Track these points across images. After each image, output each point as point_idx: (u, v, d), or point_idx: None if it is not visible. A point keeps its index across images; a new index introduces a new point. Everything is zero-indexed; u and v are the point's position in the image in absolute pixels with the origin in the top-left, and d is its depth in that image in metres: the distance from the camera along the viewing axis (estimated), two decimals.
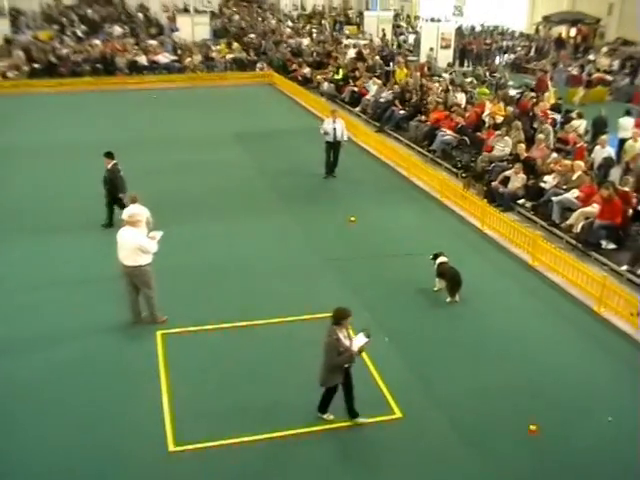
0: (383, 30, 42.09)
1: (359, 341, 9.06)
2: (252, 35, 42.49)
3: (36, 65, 35.25)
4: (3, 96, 31.48)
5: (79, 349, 11.29)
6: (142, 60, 36.28)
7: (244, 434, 9.22)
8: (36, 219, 16.76)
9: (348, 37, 42.84)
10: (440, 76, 29.30)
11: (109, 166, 15.89)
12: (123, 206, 15.03)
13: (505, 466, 8.73)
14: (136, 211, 12.29)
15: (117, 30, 43.83)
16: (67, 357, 11.08)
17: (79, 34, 43.69)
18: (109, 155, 16.04)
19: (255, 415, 9.67)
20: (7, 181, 19.80)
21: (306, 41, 39.98)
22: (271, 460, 8.85)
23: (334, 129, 19.44)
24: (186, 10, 45.63)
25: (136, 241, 11.38)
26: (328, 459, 8.88)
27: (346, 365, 9.08)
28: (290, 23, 49.16)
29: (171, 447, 9.06)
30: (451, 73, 30.52)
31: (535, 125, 20.93)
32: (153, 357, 11.02)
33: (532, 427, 9.22)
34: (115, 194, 15.78)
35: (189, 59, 36.71)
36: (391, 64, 32.99)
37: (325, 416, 9.45)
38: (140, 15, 50.09)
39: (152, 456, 8.92)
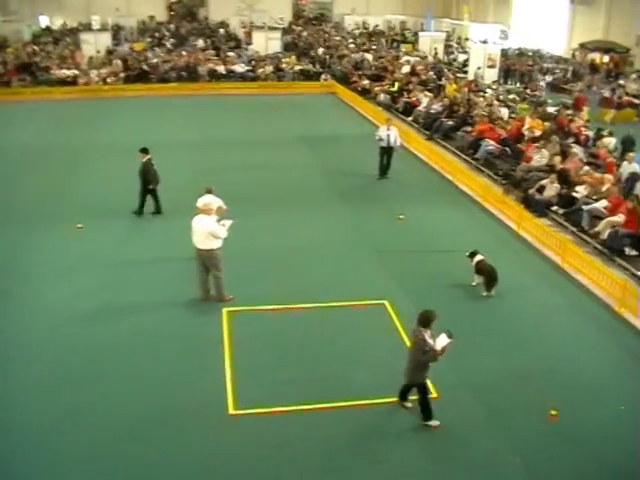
0: (435, 49, 41.59)
1: (442, 341, 8.59)
2: (320, 50, 42.37)
3: (131, 72, 35.81)
4: (103, 99, 32.13)
5: (156, 321, 11.40)
6: (221, 69, 36.51)
7: (296, 403, 9.18)
8: (122, 205, 17.00)
9: (404, 54, 42.43)
10: (485, 92, 28.80)
11: (144, 160, 15.99)
12: (155, 196, 16.16)
13: (527, 445, 8.54)
14: (209, 200, 12.32)
15: (200, 43, 44.22)
16: (145, 327, 11.20)
17: (168, 46, 44.28)
18: (144, 151, 16.13)
19: (306, 387, 9.62)
20: (104, 173, 20.12)
21: (370, 56, 39.62)
22: (316, 429, 8.78)
23: (388, 135, 19.23)
24: (261, 27, 45.77)
25: (208, 227, 11.42)
26: (368, 431, 8.77)
27: (430, 363, 8.69)
28: (352, 40, 48.90)
29: (231, 410, 9.09)
30: (495, 90, 29.98)
31: (570, 140, 20.45)
32: (219, 331, 11.05)
33: (553, 412, 8.96)
34: (147, 185, 16.00)
35: (262, 69, 36.81)
36: (443, 79, 32.55)
37: (432, 423, 8.84)
38: (221, 30, 50.51)
39: (214, 417, 8.97)
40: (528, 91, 31.65)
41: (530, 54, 44.13)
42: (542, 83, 35.34)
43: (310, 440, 8.58)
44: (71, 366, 10.08)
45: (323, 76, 37.11)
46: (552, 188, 16.75)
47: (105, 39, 40.75)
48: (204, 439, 8.57)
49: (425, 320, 8.59)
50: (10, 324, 11.26)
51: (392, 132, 19.35)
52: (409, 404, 9.11)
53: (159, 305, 11.94)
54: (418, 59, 38.56)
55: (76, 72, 35.13)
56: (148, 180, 15.96)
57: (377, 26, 56.43)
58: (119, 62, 36.34)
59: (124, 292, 12.46)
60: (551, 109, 25.57)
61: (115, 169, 20.33)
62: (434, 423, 8.82)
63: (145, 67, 36.14)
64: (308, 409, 9.11)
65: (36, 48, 40.82)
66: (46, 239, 14.69)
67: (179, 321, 11.41)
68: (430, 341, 8.54)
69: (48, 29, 53.40)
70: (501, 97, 27.72)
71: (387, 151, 19.46)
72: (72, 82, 34.45)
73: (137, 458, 8.22)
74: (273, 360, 10.30)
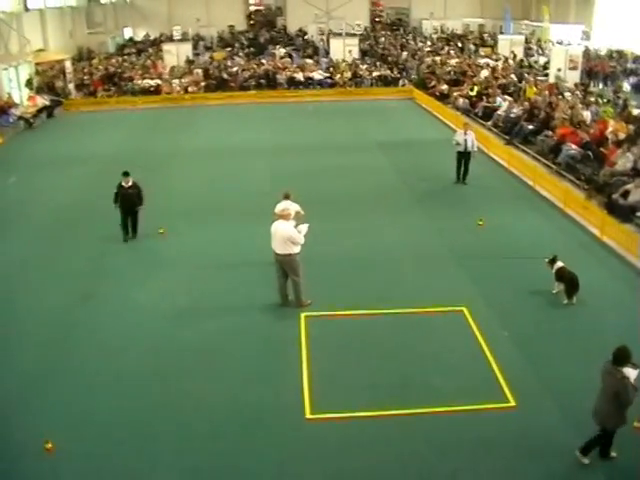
0: (512, 52, 40.84)
1: (632, 374, 7.87)
2: (404, 54, 42.30)
3: (211, 81, 36.67)
4: (184, 107, 33.09)
5: (236, 324, 11.67)
6: (299, 76, 36.98)
7: (373, 409, 9.22)
8: (203, 209, 17.50)
9: (483, 57, 41.86)
10: (563, 95, 28.10)
11: (131, 182, 15.04)
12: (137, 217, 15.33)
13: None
14: (287, 206, 12.53)
15: (281, 51, 44.85)
16: (225, 330, 11.49)
17: (247, 54, 45.08)
18: (128, 174, 15.10)
19: (383, 393, 9.64)
20: (186, 178, 20.76)
21: (453, 61, 39.19)
22: (394, 436, 8.78)
23: (465, 140, 19.07)
24: (338, 34, 46.03)
25: (286, 233, 11.61)
26: (447, 439, 8.70)
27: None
28: (430, 44, 48.60)
29: (308, 414, 9.20)
30: (577, 92, 29.23)
31: None
32: (296, 335, 11.21)
33: (636, 424, 8.65)
34: (135, 207, 15.21)
35: (339, 76, 37.05)
36: (522, 82, 31.98)
37: (586, 460, 8.21)
38: (299, 38, 51.12)
39: (291, 421, 9.09)
40: (611, 93, 30.75)
41: (613, 55, 42.79)
42: (626, 85, 34.24)
43: (387, 446, 8.59)
44: (157, 365, 10.46)
45: (401, 81, 37.07)
46: (637, 193, 16.21)
47: (186, 49, 41.87)
48: (282, 441, 8.71)
49: (622, 359, 7.81)
50: (98, 324, 11.77)
51: (469, 136, 19.18)
52: (587, 460, 8.22)
53: (239, 308, 12.22)
54: (498, 62, 38.01)
55: (158, 81, 36.26)
56: (140, 201, 15.14)
57: (455, 30, 55.91)
58: (200, 71, 37.31)
59: (205, 294, 12.82)
60: (636, 111, 24.76)
61: (197, 174, 20.98)
62: (613, 454, 8.27)
63: (225, 76, 36.95)
64: (385, 415, 9.14)
65: (120, 59, 42.32)
66: (130, 242, 15.26)
67: (258, 325, 11.64)
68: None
69: (131, 40, 55.29)
70: (584, 100, 27.02)
71: (464, 156, 19.29)
72: (155, 91, 35.58)
73: (219, 455, 8.44)
74: (350, 365, 10.37)
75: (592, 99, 26.94)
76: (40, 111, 30.76)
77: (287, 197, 13.22)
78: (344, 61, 39.52)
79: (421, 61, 40.27)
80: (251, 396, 9.62)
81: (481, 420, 9.02)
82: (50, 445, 8.46)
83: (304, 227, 12.00)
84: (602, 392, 8.00)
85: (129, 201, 15.02)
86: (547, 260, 12.45)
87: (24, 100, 31.65)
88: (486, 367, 10.17)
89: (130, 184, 14.98)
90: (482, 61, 39.21)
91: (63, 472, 8.18)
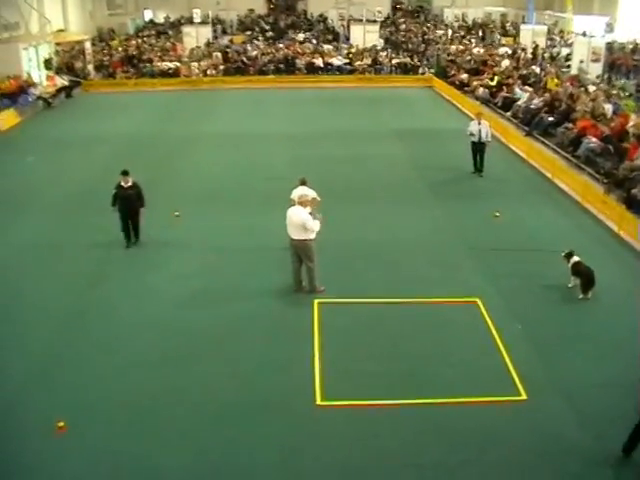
0: (534, 42, 40.41)
1: None
2: (421, 42, 42.07)
3: (230, 65, 36.62)
4: (203, 90, 33.10)
5: (250, 308, 11.70)
6: (318, 62, 36.85)
7: (383, 397, 9.23)
8: (220, 193, 17.55)
9: (504, 47, 41.47)
10: (587, 88, 27.80)
11: (131, 182, 13.90)
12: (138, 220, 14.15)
13: (617, 448, 8.17)
14: (304, 192, 12.53)
15: (299, 36, 44.68)
16: (239, 314, 11.52)
17: (267, 39, 44.95)
18: (127, 173, 13.94)
19: (394, 382, 9.63)
20: (203, 161, 20.82)
21: (475, 50, 38.86)
22: (404, 425, 8.78)
23: (479, 130, 18.88)
24: (359, 20, 45.76)
25: (302, 218, 11.61)
26: (456, 430, 8.69)
27: None
28: (451, 33, 48.21)
29: (319, 401, 9.22)
30: (599, 85, 28.92)
31: None
32: (309, 322, 11.23)
33: None
34: (137, 209, 14.06)
35: (359, 62, 36.88)
36: (542, 73, 31.68)
37: None
38: (320, 24, 50.89)
39: (302, 406, 9.12)
40: (634, 87, 30.36)
41: (638, 47, 42.16)
42: None
43: (397, 435, 8.60)
44: (168, 348, 10.51)
45: (421, 69, 36.85)
46: None
47: (206, 32, 41.82)
48: (292, 427, 8.74)
49: None
50: (110, 306, 11.85)
51: (483, 126, 18.95)
52: None
53: (253, 293, 12.25)
54: (519, 52, 37.65)
55: (177, 64, 36.27)
56: (140, 202, 14.00)
57: (477, 18, 55.41)
58: (219, 55, 37.31)
59: (219, 278, 12.87)
60: None
61: (214, 158, 21.04)
62: None
63: (244, 60, 36.88)
64: (395, 404, 9.14)
65: (139, 41, 42.34)
66: (144, 225, 15.26)
67: (271, 310, 11.67)
68: None
69: (152, 22, 55.26)
70: (606, 92, 26.73)
71: (479, 146, 19.10)
72: (173, 74, 35.61)
73: (229, 439, 8.49)
74: (362, 353, 10.38)
75: (614, 92, 26.65)
76: (59, 91, 30.94)
77: (303, 183, 13.20)
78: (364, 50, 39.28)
79: (441, 49, 39.97)
80: (262, 381, 9.66)
81: (491, 412, 9.00)
82: (62, 424, 8.55)
83: (319, 217, 11.97)
84: None
85: (129, 203, 13.78)
86: (563, 254, 12.36)
87: (43, 80, 31.78)
88: (498, 359, 10.13)
89: (130, 184, 13.77)
90: (502, 50, 38.85)
91: (73, 453, 8.25)
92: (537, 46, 39.91)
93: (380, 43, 41.33)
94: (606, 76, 31.82)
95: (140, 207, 13.97)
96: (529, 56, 37.43)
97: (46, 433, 8.53)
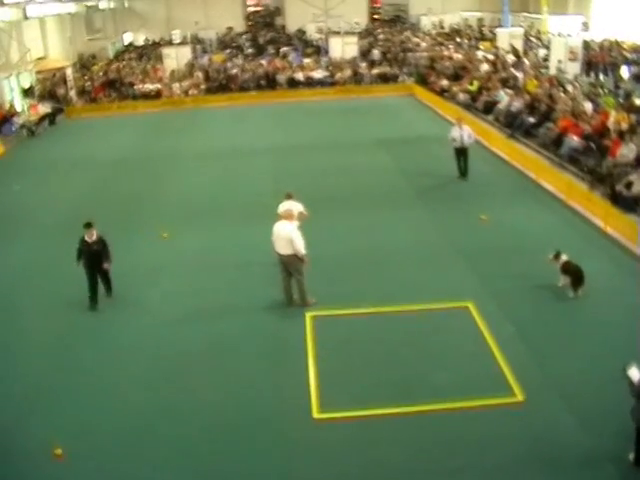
0: (511, 45, 40.65)
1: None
2: (400, 51, 42.22)
3: (211, 84, 36.67)
4: (185, 110, 33.12)
5: (241, 325, 11.68)
6: (299, 76, 36.95)
7: (380, 407, 9.20)
8: (206, 211, 17.54)
9: (482, 51, 41.70)
10: (565, 88, 27.98)
11: (95, 237, 12.25)
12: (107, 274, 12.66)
13: (616, 452, 8.20)
14: (289, 206, 12.53)
15: (281, 51, 44.80)
16: (231, 331, 11.50)
17: (247, 55, 45.04)
18: (90, 225, 12.31)
19: (390, 391, 9.62)
20: (188, 180, 20.80)
21: (453, 56, 39.00)
22: (401, 433, 8.76)
23: (461, 135, 18.94)
24: (337, 32, 45.97)
25: (288, 234, 11.60)
26: (453, 436, 8.68)
27: None
28: (429, 40, 48.47)
29: (315, 414, 9.19)
30: (578, 84, 29.11)
31: None
32: (302, 335, 11.21)
33: None
34: (102, 265, 12.46)
35: (339, 74, 37.01)
36: (521, 75, 31.84)
37: None
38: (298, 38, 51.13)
39: (299, 421, 9.09)
40: (612, 84, 30.57)
41: (613, 45, 42.54)
42: (626, 75, 34.05)
43: (394, 444, 8.58)
44: (163, 367, 10.49)
45: (400, 78, 37.00)
46: None
47: (186, 52, 41.86)
48: (289, 441, 8.71)
49: None
50: (103, 327, 11.83)
51: (464, 131, 19.04)
52: None
53: (244, 309, 12.22)
54: (497, 56, 37.84)
55: (158, 86, 36.28)
56: (105, 258, 12.44)
57: (454, 24, 55.77)
58: (200, 74, 37.32)
59: (210, 296, 12.84)
60: (638, 101, 24.62)
61: (200, 177, 21.05)
62: None
63: (223, 81, 36.87)
64: (392, 413, 9.12)
65: (120, 65, 42.36)
66: (133, 246, 15.25)
67: (263, 325, 11.64)
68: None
69: (131, 45, 55.35)
70: (585, 91, 26.90)
71: (462, 152, 19.18)
72: (155, 96, 35.61)
73: (226, 456, 8.44)
74: (356, 364, 10.36)
75: (593, 90, 26.83)
76: (42, 119, 30.82)
77: (289, 197, 13.21)
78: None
79: (420, 57, 40.15)
80: (258, 397, 9.64)
81: (488, 416, 8.99)
82: (59, 451, 8.48)
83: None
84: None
85: (96, 259, 12.27)
86: (551, 256, 12.32)
87: (25, 108, 31.73)
88: (492, 363, 10.14)
89: (94, 238, 12.19)
90: (480, 54, 39.03)
91: (70, 476, 8.19)
92: (514, 49, 40.13)
93: (376, 55, 41.27)
94: (591, 75, 31.97)
95: (108, 263, 12.42)
96: (512, 59, 37.58)
97: (42, 458, 8.46)
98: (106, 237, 12.45)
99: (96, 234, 12.23)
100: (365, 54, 42.04)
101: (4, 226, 17.41)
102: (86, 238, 12.20)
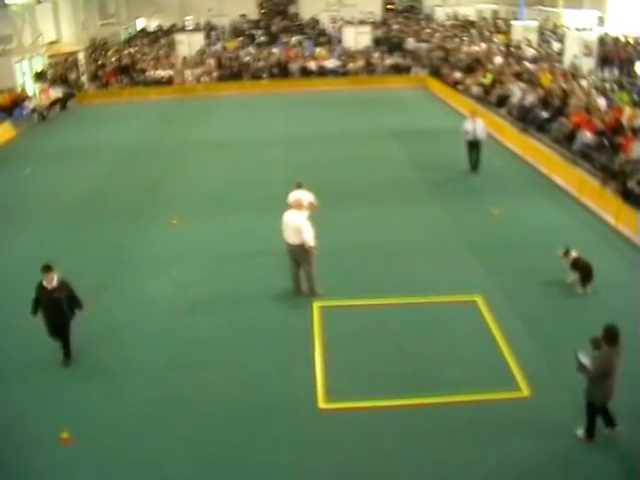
0: (526, 38, 40.44)
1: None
2: (413, 42, 42.02)
3: (223, 71, 36.66)
4: (197, 97, 33.12)
5: (250, 314, 11.72)
6: (311, 65, 36.89)
7: (387, 398, 9.24)
8: (217, 200, 17.58)
9: (496, 44, 41.49)
10: (579, 83, 27.81)
11: (58, 283, 9.94)
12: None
13: (629, 452, 8.21)
14: (300, 196, 12.54)
15: (292, 40, 44.71)
16: (239, 320, 11.54)
17: (259, 44, 44.97)
18: (49, 268, 9.93)
19: (397, 382, 9.65)
20: (199, 168, 20.84)
21: (467, 49, 38.81)
22: (408, 425, 8.80)
23: (474, 128, 18.88)
24: (350, 22, 45.83)
25: (297, 223, 11.63)
26: (461, 428, 8.71)
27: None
28: (443, 31, 48.24)
29: (321, 404, 9.23)
30: (592, 79, 28.93)
31: None
32: (309, 325, 11.25)
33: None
34: (68, 317, 10.14)
35: (352, 64, 36.92)
36: (533, 67, 31.68)
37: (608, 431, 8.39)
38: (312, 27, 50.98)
39: (304, 410, 9.13)
40: (627, 80, 30.35)
41: (630, 40, 42.19)
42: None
43: (401, 436, 8.62)
44: (171, 356, 10.54)
45: (414, 69, 36.87)
46: None
47: (198, 39, 41.84)
48: (295, 431, 8.76)
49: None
50: (111, 315, 11.87)
51: (478, 124, 18.97)
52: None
53: (253, 299, 12.26)
54: (512, 49, 37.66)
55: (170, 73, 36.30)
56: (71, 311, 10.11)
57: (468, 16, 55.48)
58: (212, 62, 37.32)
59: (219, 285, 12.89)
60: None
61: (210, 165, 21.08)
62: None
63: (236, 69, 36.85)
64: (398, 404, 9.16)
65: (132, 50, 42.36)
66: (144, 234, 15.36)
67: (272, 314, 11.68)
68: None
69: (143, 31, 55.31)
70: (598, 86, 26.74)
71: (475, 145, 19.11)
72: (167, 82, 35.64)
73: (233, 445, 8.50)
74: (363, 355, 10.39)
75: (607, 85, 26.66)
76: (53, 103, 30.90)
77: (300, 186, 13.23)
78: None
79: (434, 49, 39.99)
80: (264, 386, 9.68)
81: (494, 410, 9.02)
82: (66, 435, 8.57)
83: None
84: None
85: (55, 311, 9.89)
86: (560, 253, 12.28)
87: (37, 93, 31.82)
88: (500, 357, 10.15)
89: (55, 284, 9.84)
90: (494, 47, 38.83)
91: (77, 463, 8.27)
92: (530, 42, 39.89)
93: (411, 43, 40.91)
94: (606, 72, 31.73)
95: (72, 315, 10.12)
96: (530, 52, 37.35)
97: (49, 444, 8.55)
98: (115, 226, 12.35)
99: (56, 279, 9.91)
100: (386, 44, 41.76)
101: (15, 211, 17.53)
102: (44, 284, 9.88)
